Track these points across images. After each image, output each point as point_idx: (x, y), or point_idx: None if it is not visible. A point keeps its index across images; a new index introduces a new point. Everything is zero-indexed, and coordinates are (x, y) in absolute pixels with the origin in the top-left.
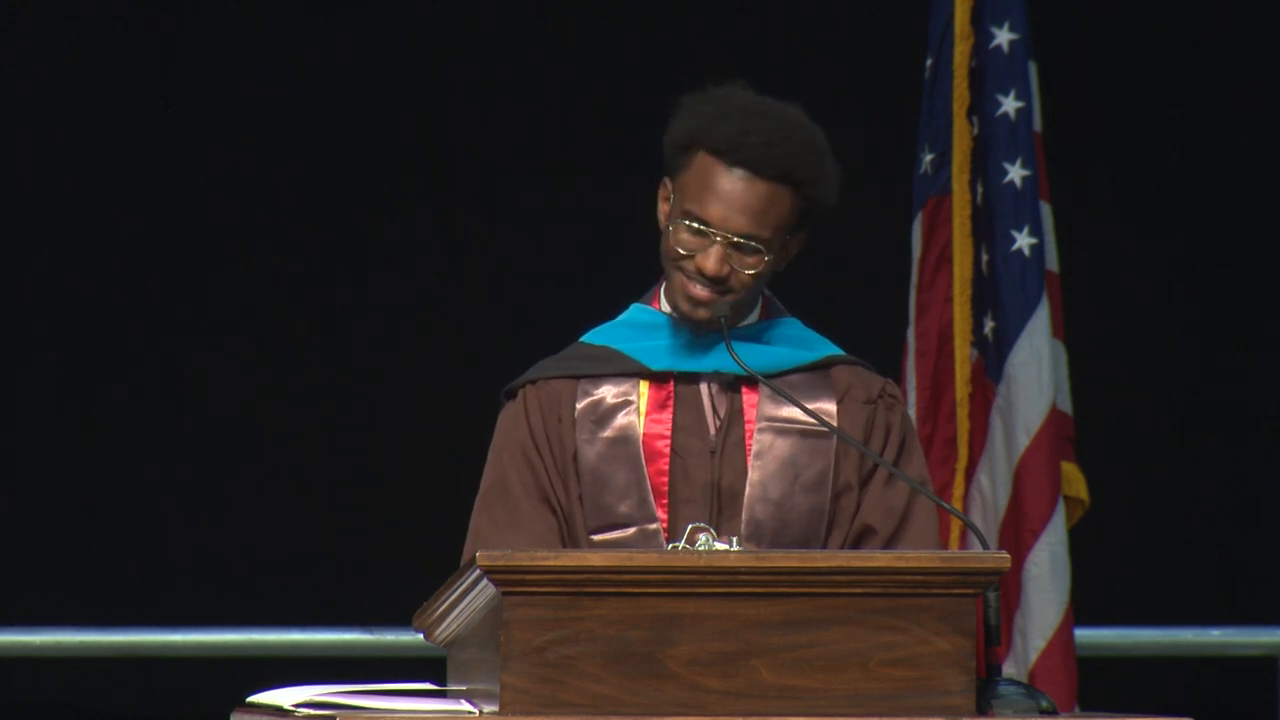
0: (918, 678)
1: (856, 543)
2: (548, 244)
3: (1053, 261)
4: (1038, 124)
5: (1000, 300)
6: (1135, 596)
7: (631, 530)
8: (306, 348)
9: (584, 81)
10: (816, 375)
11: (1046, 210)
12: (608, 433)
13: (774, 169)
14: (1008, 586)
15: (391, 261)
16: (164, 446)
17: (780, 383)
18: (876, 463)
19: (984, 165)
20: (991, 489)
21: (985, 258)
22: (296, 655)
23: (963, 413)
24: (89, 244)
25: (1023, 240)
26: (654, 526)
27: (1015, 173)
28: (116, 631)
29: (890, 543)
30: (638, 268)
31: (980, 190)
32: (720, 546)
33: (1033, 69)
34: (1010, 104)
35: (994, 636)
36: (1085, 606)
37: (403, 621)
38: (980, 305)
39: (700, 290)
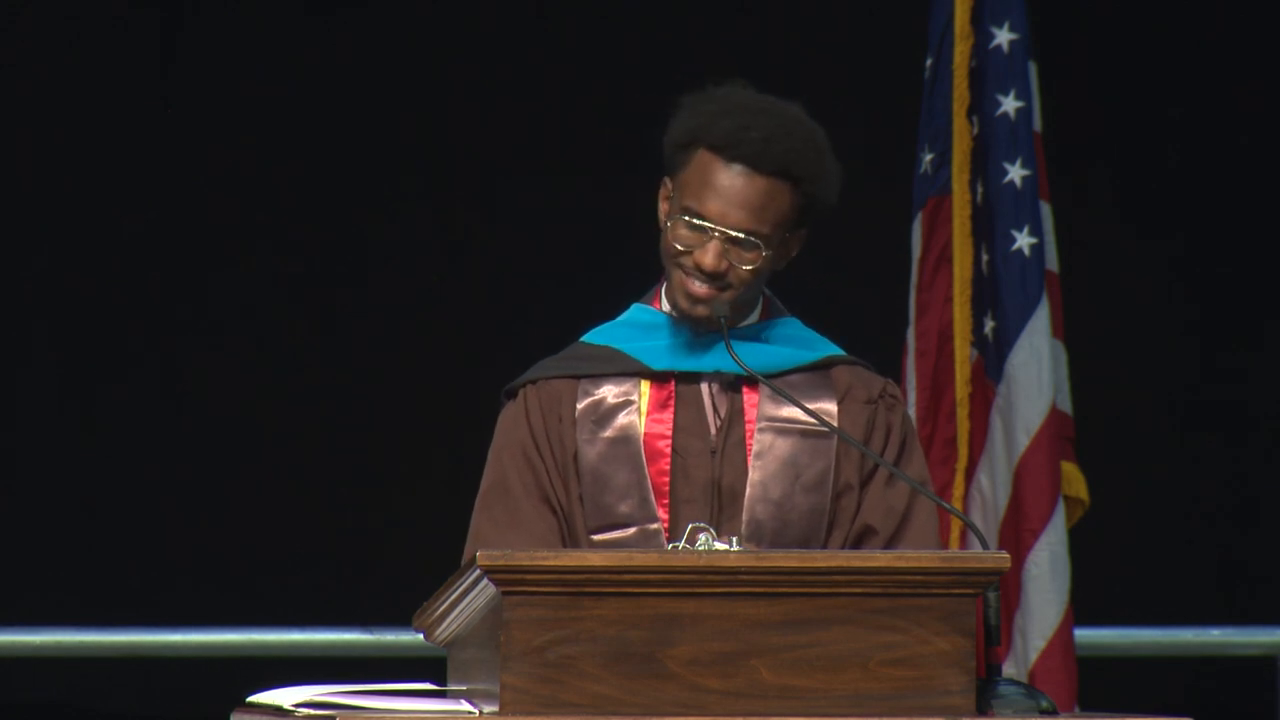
0: (918, 678)
1: (857, 543)
2: (548, 244)
3: (1053, 261)
4: (1038, 124)
5: (1000, 300)
6: (1135, 596)
7: (632, 530)
8: (306, 348)
9: (584, 81)
10: (817, 375)
11: (1046, 210)
12: (608, 432)
13: (773, 164)
14: (1008, 586)
15: (391, 261)
16: (164, 446)
17: (781, 383)
18: (877, 463)
19: (984, 165)
20: (991, 489)
21: (985, 258)
22: (296, 655)
23: (963, 413)
24: (89, 244)
25: (1023, 240)
26: (654, 526)
27: (1015, 173)
28: (116, 631)
29: (891, 543)
30: (638, 268)
31: (980, 190)
32: (720, 546)
33: (1033, 69)
34: (1010, 104)
35: (994, 636)
36: (1085, 606)
37: (403, 621)
38: (980, 305)
39: (699, 287)
